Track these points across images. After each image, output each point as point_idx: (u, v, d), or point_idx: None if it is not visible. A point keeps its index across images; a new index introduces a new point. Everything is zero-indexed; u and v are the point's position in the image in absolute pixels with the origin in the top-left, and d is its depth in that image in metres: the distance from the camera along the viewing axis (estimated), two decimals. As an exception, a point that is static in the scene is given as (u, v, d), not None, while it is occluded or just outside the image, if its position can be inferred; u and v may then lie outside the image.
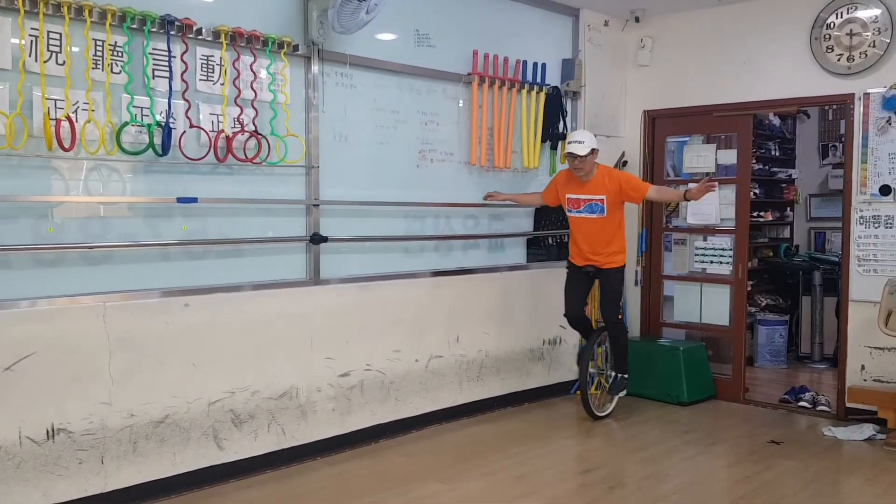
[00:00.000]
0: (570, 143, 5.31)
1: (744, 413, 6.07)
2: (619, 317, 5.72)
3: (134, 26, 4.00)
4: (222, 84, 4.36)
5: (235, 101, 4.42)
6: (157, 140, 4.08)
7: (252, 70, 4.48)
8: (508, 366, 6.05)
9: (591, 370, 5.88)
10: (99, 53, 3.91)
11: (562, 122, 6.29)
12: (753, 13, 6.20)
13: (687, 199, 5.50)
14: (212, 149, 4.30)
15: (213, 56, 4.33)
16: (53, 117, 3.74)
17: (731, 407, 6.21)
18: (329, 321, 4.87)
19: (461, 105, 5.71)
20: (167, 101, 4.13)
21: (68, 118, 3.78)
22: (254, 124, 4.49)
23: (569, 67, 6.43)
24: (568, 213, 5.59)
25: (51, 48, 3.75)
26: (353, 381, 5.03)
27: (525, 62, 6.03)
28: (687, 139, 6.83)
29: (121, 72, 3.99)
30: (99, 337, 3.88)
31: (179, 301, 4.21)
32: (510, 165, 5.99)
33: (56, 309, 3.78)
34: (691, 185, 5.82)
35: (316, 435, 4.83)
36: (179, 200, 4.22)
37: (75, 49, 3.83)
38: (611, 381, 5.84)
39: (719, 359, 6.77)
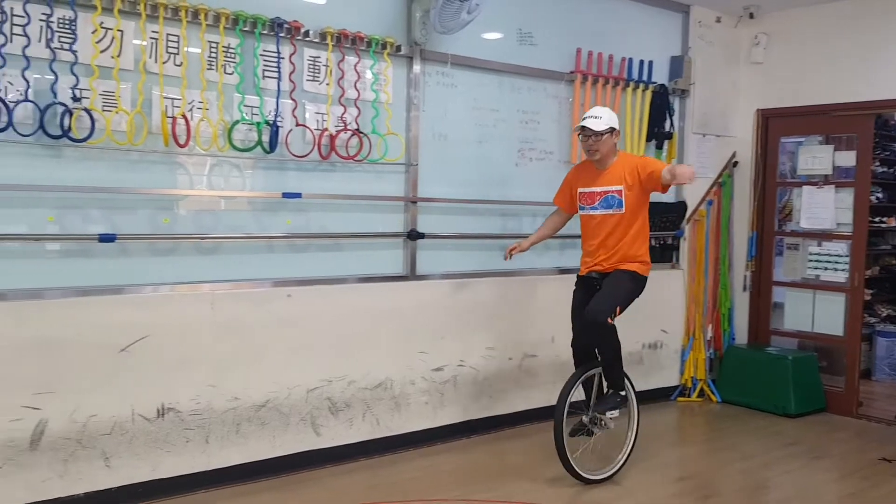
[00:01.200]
0: (584, 117, 4.38)
1: (855, 428, 5.76)
2: (611, 319, 4.30)
3: (246, 29, 4.21)
4: (327, 84, 4.52)
5: (339, 101, 4.57)
6: (266, 138, 4.28)
7: (356, 70, 4.62)
8: (606, 368, 5.97)
9: (582, 417, 4.55)
10: (213, 55, 4.13)
11: (668, 121, 6.15)
12: (877, 5, 5.86)
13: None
14: (316, 146, 4.46)
15: (319, 57, 4.50)
16: (170, 115, 3.99)
17: (842, 421, 5.91)
18: (424, 316, 4.96)
19: (562, 103, 5.68)
20: (275, 100, 4.32)
21: (184, 116, 4.02)
22: (356, 123, 4.64)
23: (677, 65, 6.28)
24: (580, 213, 4.59)
25: (169, 50, 4.00)
26: (447, 375, 5.10)
27: (630, 60, 5.93)
28: (803, 140, 6.54)
29: (233, 72, 4.21)
30: (207, 323, 4.11)
31: (282, 292, 4.40)
32: (613, 165, 5.89)
33: (169, 295, 4.03)
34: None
35: (409, 427, 4.93)
36: (285, 195, 4.40)
37: (191, 51, 4.06)
38: (604, 394, 4.58)
39: (832, 370, 6.44)
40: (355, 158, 4.61)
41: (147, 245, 4.01)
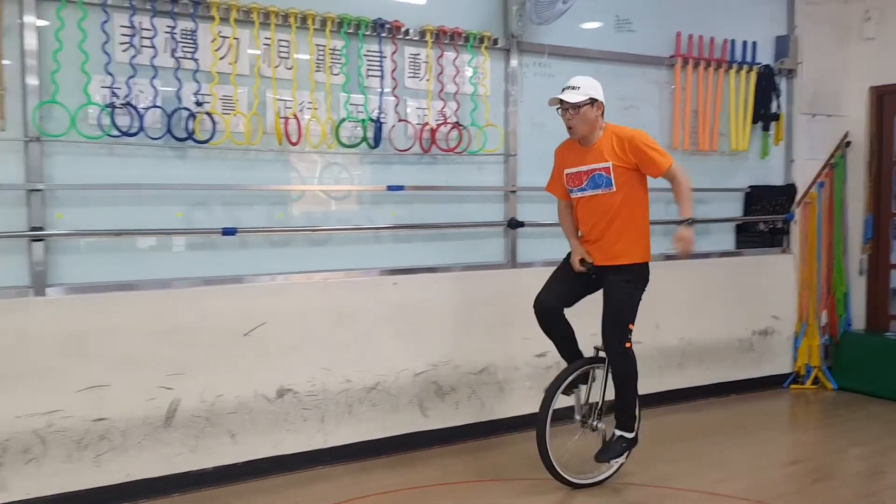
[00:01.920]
0: (562, 89, 3.96)
1: (983, 415, 5.47)
2: (628, 344, 3.95)
3: (350, 31, 4.44)
4: (427, 80, 4.70)
5: (439, 95, 4.74)
6: (370, 134, 4.49)
7: (454, 65, 4.77)
8: (713, 355, 5.90)
9: (576, 416, 4.28)
10: (321, 57, 4.38)
11: (775, 102, 6.01)
12: None
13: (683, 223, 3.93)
14: (418, 140, 4.65)
15: (419, 54, 4.68)
16: (283, 116, 4.26)
17: (972, 410, 5.62)
18: (525, 303, 5.01)
19: (663, 88, 5.65)
20: (379, 97, 4.53)
21: (295, 116, 4.28)
22: (456, 116, 4.79)
23: (783, 44, 6.11)
24: (571, 196, 4.16)
25: (280, 55, 4.27)
26: (550, 361, 5.18)
27: (733, 41, 5.83)
28: (922, 116, 6.24)
29: (339, 73, 4.44)
30: (321, 309, 4.36)
31: (389, 280, 4.61)
32: (716, 148, 5.83)
33: (285, 284, 4.31)
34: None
35: (513, 411, 5.04)
36: (389, 188, 4.61)
37: (301, 55, 4.32)
38: (606, 441, 4.16)
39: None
40: (455, 151, 4.77)
41: (264, 238, 4.30)
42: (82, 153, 3.83)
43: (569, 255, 4.21)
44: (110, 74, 3.82)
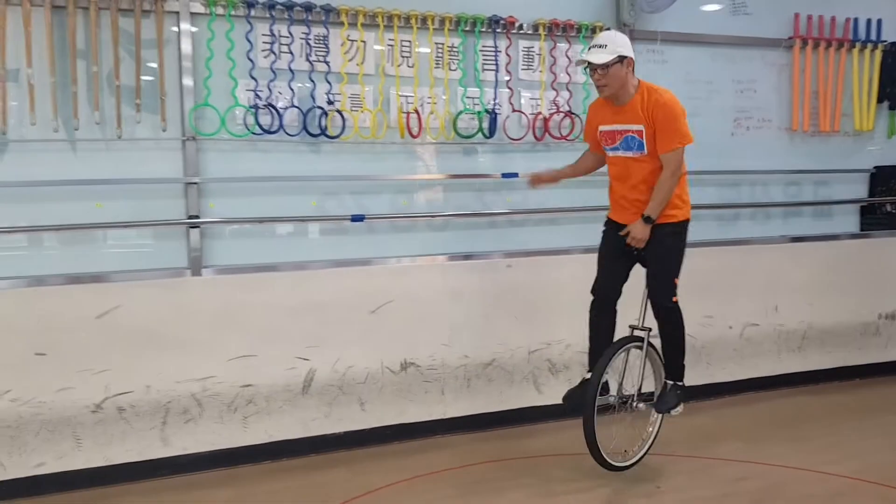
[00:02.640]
0: (588, 48, 3.89)
1: None
2: (675, 298, 3.96)
3: (467, 29, 4.72)
4: (540, 71, 4.92)
5: (552, 86, 4.95)
6: (485, 125, 4.77)
7: (567, 56, 4.97)
8: (835, 339, 5.82)
9: (607, 398, 4.18)
10: (439, 55, 4.69)
11: (903, 80, 5.83)
12: None
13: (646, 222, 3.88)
14: (530, 129, 4.89)
15: (532, 47, 4.91)
16: (405, 111, 4.61)
17: None
18: (637, 284, 5.18)
19: (781, 70, 5.61)
20: (493, 90, 4.80)
21: (416, 111, 4.62)
22: (568, 105, 4.99)
23: (912, 20, 5.91)
24: (605, 153, 4.13)
25: (403, 54, 4.61)
26: (660, 342, 5.30)
27: (856, 19, 5.70)
28: None
29: (456, 69, 4.74)
30: (440, 290, 4.70)
31: (504, 263, 4.88)
32: (839, 129, 5.74)
33: (408, 266, 4.67)
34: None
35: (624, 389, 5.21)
36: (504, 176, 4.88)
37: (421, 53, 4.65)
38: (658, 392, 4.23)
39: None
40: (567, 138, 4.98)
41: (389, 223, 4.68)
42: (230, 150, 4.32)
43: (604, 232, 4.23)
44: (254, 79, 4.28)
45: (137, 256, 4.23)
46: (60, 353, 3.92)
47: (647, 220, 3.87)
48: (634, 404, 4.17)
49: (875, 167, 5.91)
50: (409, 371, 4.65)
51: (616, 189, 4.10)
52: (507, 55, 4.84)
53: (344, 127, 4.46)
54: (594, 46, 3.80)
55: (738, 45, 5.47)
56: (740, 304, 5.51)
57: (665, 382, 4.16)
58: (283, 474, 4.22)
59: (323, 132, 4.42)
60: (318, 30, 4.41)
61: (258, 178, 4.37)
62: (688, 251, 5.26)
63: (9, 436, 3.87)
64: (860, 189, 5.96)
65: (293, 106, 4.36)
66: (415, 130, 4.61)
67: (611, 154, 4.04)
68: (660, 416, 4.26)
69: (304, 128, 4.40)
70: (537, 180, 4.31)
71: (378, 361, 4.57)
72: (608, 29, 5.00)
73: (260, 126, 4.31)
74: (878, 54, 5.73)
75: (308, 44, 4.39)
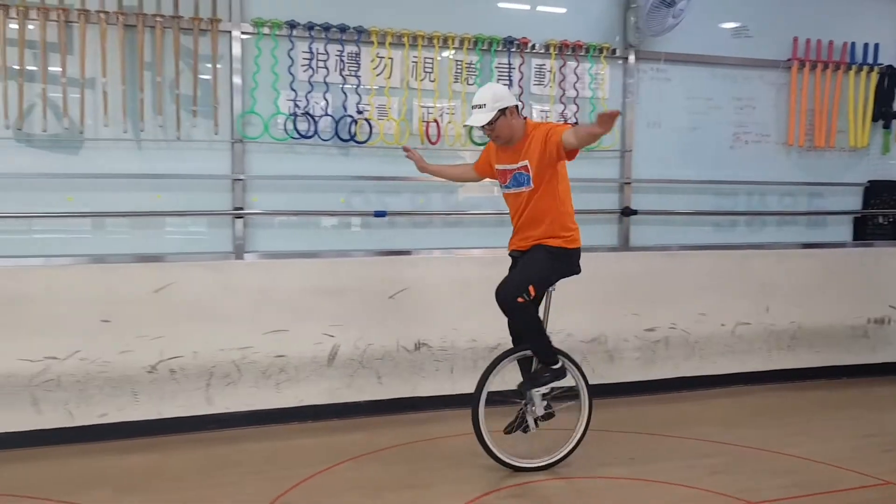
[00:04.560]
0: (471, 108, 4.06)
1: None
2: (520, 299, 4.03)
3: (484, 48, 5.30)
4: (550, 86, 5.47)
5: (560, 100, 5.50)
6: (499, 133, 5.34)
7: (575, 73, 5.51)
8: (824, 340, 6.23)
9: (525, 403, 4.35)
10: (458, 71, 5.28)
11: (898, 100, 6.23)
12: None
13: (601, 130, 3.73)
14: (540, 139, 5.45)
15: (544, 65, 5.46)
16: (425, 120, 5.21)
17: None
18: (636, 282, 5.72)
19: (780, 89, 6.06)
20: (507, 103, 5.37)
21: (436, 121, 5.22)
22: (575, 117, 5.53)
23: (909, 44, 6.29)
24: (501, 191, 4.33)
25: (425, 70, 5.21)
26: (658, 336, 5.81)
27: (853, 44, 6.11)
28: None
29: (473, 83, 5.32)
30: (452, 279, 5.28)
31: (504, 254, 5.43)
32: (833, 145, 6.15)
33: (424, 258, 5.27)
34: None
35: (620, 377, 5.73)
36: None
37: (442, 69, 5.24)
38: (531, 373, 4.34)
39: None
40: (574, 148, 5.51)
41: (408, 219, 5.30)
42: (272, 151, 4.98)
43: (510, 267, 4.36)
44: (293, 90, 4.93)
45: (190, 241, 4.92)
46: (122, 321, 4.62)
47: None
48: (534, 411, 4.31)
49: (869, 181, 6.31)
50: (422, 350, 5.24)
51: (513, 221, 4.27)
52: (521, 72, 5.40)
53: (371, 133, 5.08)
54: (475, 107, 4.00)
55: (739, 65, 5.94)
56: (733, 304, 5.97)
57: (536, 366, 4.31)
58: (309, 433, 4.86)
59: (352, 138, 5.04)
60: (350, 48, 5.03)
61: (295, 177, 5.02)
62: (684, 254, 5.83)
63: (78, 389, 4.58)
64: (854, 201, 6.37)
65: (327, 114, 4.99)
66: (434, 138, 5.21)
67: (504, 192, 4.26)
68: (586, 410, 4.42)
69: (336, 133, 5.03)
70: (414, 156, 4.45)
71: (394, 341, 5.17)
72: (614, 50, 5.53)
73: (298, 131, 4.95)
74: (875, 76, 6.13)
75: (342, 60, 5.02)
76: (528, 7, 5.52)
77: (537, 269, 4.12)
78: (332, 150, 5.09)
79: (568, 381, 4.44)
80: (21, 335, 4.44)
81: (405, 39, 5.11)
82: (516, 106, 4.06)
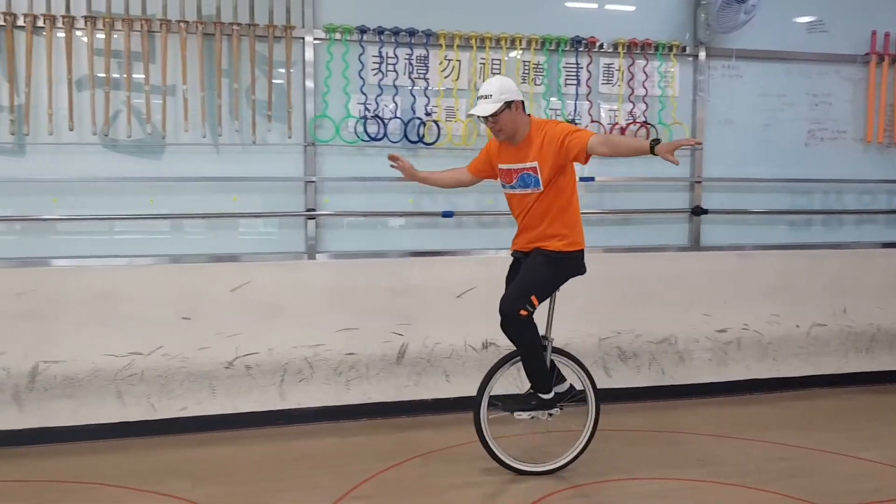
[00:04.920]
0: (477, 98, 4.00)
1: None
2: (523, 312, 3.94)
3: (551, 48, 5.31)
4: (618, 85, 5.45)
5: (629, 98, 5.46)
6: (566, 133, 5.35)
7: (644, 71, 5.47)
8: (907, 343, 6.04)
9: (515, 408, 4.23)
10: (525, 71, 5.30)
11: None
12: None
13: (654, 153, 3.60)
14: (608, 138, 5.43)
15: (612, 64, 5.44)
16: (493, 121, 5.24)
17: None
18: (707, 283, 5.64)
19: (857, 84, 5.89)
20: (574, 102, 5.37)
21: (503, 121, 5.25)
22: (644, 116, 5.49)
23: None
24: (503, 190, 4.22)
25: (493, 71, 5.25)
26: (730, 337, 5.72)
27: (936, 35, 5.90)
28: None
29: (541, 84, 5.34)
30: (519, 280, 5.30)
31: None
32: (916, 141, 5.96)
33: (490, 257, 5.30)
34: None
35: (692, 378, 5.66)
36: (581, 179, 5.38)
37: (509, 70, 5.27)
38: (520, 395, 4.29)
39: None
40: (642, 147, 5.47)
41: (475, 219, 5.35)
42: (343, 154, 5.10)
43: (509, 268, 4.30)
44: (363, 94, 5.04)
45: (264, 241, 5.08)
46: (201, 318, 4.80)
47: (655, 142, 3.63)
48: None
49: (955, 177, 6.08)
50: (490, 350, 5.28)
51: (517, 222, 4.20)
52: (588, 71, 5.39)
53: (439, 135, 5.16)
54: (481, 97, 3.93)
55: (814, 60, 5.79)
56: (808, 305, 5.84)
57: (528, 390, 4.21)
58: (377, 430, 4.96)
59: (420, 139, 5.12)
60: (419, 51, 5.11)
61: (365, 179, 5.12)
62: (757, 254, 5.72)
63: (159, 384, 4.78)
64: (939, 199, 6.14)
65: (396, 117, 5.08)
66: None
67: (507, 191, 4.14)
68: (592, 418, 4.31)
69: (405, 136, 5.11)
70: (402, 164, 4.29)
71: (462, 340, 5.23)
72: (684, 48, 5.47)
73: (367, 134, 5.06)
74: (960, 68, 5.91)
75: (410, 63, 5.10)
76: (595, 6, 5.51)
77: (539, 277, 4.01)
78: (400, 151, 5.13)
79: (576, 385, 4.42)
80: (107, 331, 4.66)
81: (473, 41, 5.16)
82: (522, 102, 3.99)
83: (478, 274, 5.21)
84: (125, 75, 4.67)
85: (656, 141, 3.64)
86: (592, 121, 5.41)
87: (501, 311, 3.99)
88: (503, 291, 5.20)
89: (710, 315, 5.67)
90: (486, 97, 3.91)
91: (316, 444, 4.71)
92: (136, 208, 4.80)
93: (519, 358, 4.16)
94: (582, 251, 4.10)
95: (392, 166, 4.30)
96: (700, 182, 5.64)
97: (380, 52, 5.04)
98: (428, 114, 5.14)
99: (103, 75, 4.64)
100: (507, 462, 4.22)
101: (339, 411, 5.05)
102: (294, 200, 5.04)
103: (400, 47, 5.07)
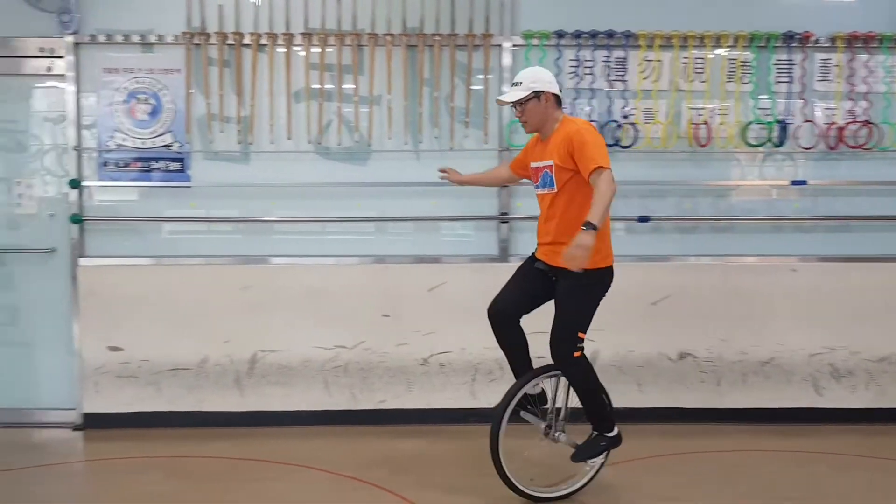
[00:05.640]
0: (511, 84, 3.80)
1: None
2: (577, 354, 3.65)
3: (761, 44, 5.02)
4: (837, 82, 5.04)
5: (849, 96, 5.04)
6: (775, 134, 5.03)
7: (866, 67, 5.01)
8: None
9: (531, 418, 4.01)
10: (732, 70, 5.05)
11: None
12: None
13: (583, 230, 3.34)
14: (823, 138, 5.04)
15: (829, 59, 5.05)
16: (694, 122, 5.05)
17: None
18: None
19: None
20: (786, 101, 5.04)
21: (706, 122, 5.04)
22: (866, 115, 5.03)
23: None
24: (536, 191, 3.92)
25: (696, 70, 5.05)
26: (967, 359, 5.10)
27: None
28: None
29: (748, 82, 5.06)
30: (720, 287, 5.06)
31: (787, 266, 5.09)
32: None
33: (689, 264, 5.10)
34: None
35: (918, 402, 5.12)
36: (792, 183, 5.10)
37: (714, 69, 5.04)
38: (585, 439, 3.90)
39: None
40: (864, 147, 5.03)
41: (674, 224, 5.17)
42: (537, 158, 5.12)
43: (527, 258, 4.01)
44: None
45: (459, 243, 5.23)
46: (400, 316, 5.04)
47: (587, 225, 3.35)
48: (556, 434, 3.99)
49: None
50: (686, 360, 5.09)
51: (541, 227, 3.90)
52: (802, 67, 5.03)
53: (636, 138, 5.04)
54: (513, 84, 3.78)
55: None
56: None
57: (592, 433, 3.90)
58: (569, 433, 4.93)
59: (616, 143, 5.03)
60: (618, 53, 5.03)
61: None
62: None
63: (361, 377, 5.08)
64: None
65: (592, 120, 5.03)
66: (703, 140, 5.03)
67: (537, 191, 3.90)
68: (597, 463, 4.03)
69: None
70: (450, 176, 4.37)
71: (655, 349, 5.08)
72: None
73: (562, 138, 5.05)
74: None
75: (608, 65, 5.03)
76: (810, -3, 5.14)
77: (579, 311, 3.72)
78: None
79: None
80: (316, 325, 5.03)
81: (674, 41, 5.00)
82: (557, 96, 3.75)
83: (674, 281, 5.06)
84: (336, 87, 5.00)
85: (593, 227, 3.35)
86: (806, 120, 5.05)
87: (555, 358, 3.76)
88: (702, 302, 5.03)
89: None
90: (515, 84, 3.76)
91: (505, 443, 4.75)
92: (345, 211, 5.12)
93: (529, 385, 3.92)
94: (610, 267, 3.81)
95: (442, 178, 4.40)
96: (926, 186, 5.09)
97: (577, 56, 5.02)
98: (625, 116, 5.04)
99: (317, 87, 5.00)
100: (518, 486, 3.93)
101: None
102: (488, 204, 5.15)
103: (598, 49, 5.02)
